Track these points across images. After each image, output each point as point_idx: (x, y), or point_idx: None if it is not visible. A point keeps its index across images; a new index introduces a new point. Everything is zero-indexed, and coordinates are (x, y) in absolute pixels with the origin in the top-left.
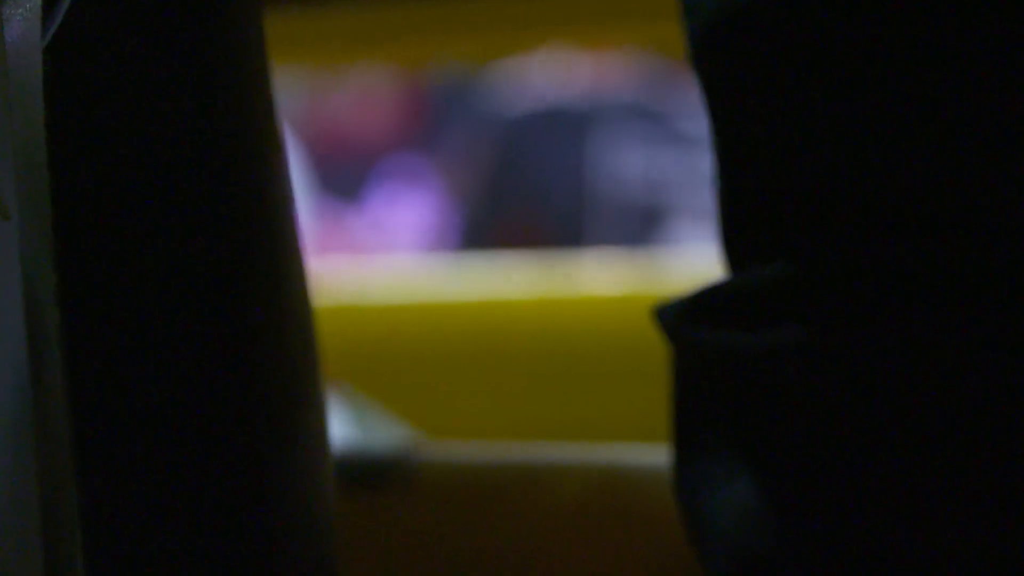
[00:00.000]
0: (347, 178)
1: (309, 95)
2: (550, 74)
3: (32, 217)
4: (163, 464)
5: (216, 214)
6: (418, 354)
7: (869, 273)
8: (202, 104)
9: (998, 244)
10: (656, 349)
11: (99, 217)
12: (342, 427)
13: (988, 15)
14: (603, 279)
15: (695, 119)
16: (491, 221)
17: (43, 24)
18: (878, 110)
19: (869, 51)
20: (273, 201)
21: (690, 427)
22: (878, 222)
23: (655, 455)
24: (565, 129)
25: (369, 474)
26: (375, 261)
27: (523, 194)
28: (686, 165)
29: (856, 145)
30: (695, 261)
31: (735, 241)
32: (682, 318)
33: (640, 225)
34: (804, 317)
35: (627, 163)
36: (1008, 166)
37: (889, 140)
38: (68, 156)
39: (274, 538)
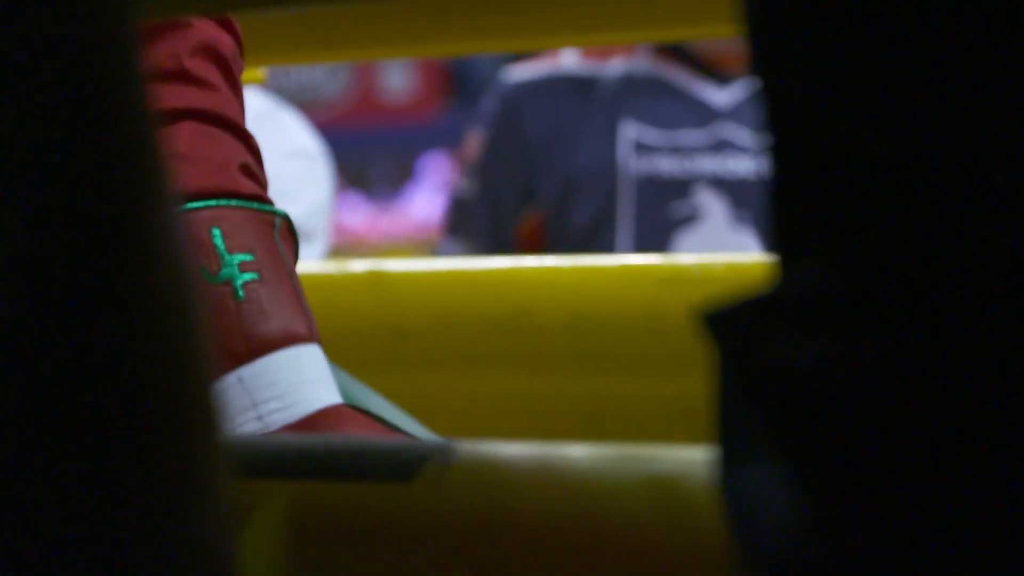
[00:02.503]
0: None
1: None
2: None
3: None
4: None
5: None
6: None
7: (906, 284)
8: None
9: None
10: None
11: None
12: (386, 415)
13: None
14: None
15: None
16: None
17: None
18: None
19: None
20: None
21: (736, 433)
22: (921, 234)
23: (695, 455)
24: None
25: (399, 469)
26: None
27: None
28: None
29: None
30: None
31: (785, 242)
32: (731, 325)
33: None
34: (843, 327)
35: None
36: None
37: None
38: None
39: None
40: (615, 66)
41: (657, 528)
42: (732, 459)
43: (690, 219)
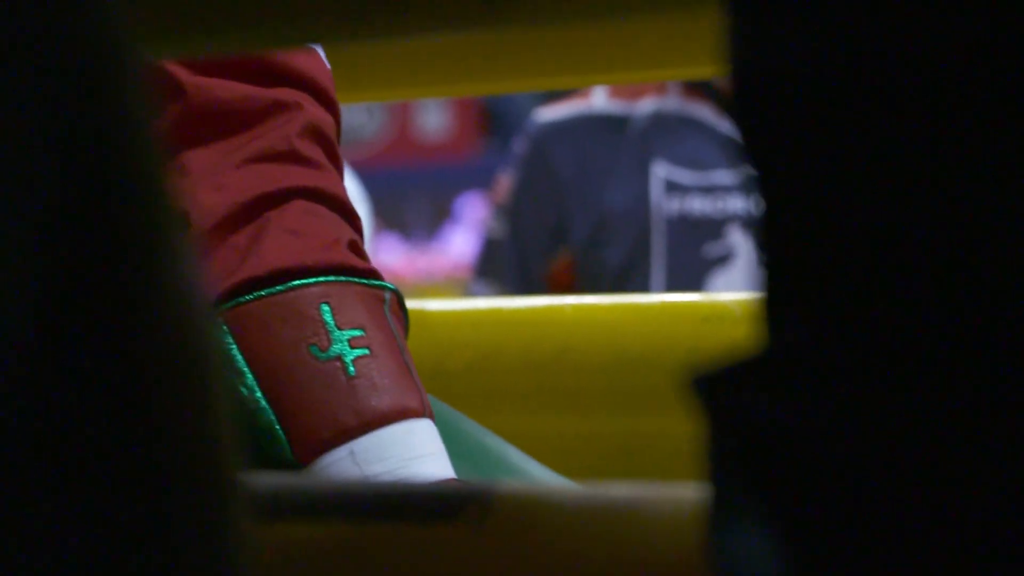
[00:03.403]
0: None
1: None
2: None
3: None
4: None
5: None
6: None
7: (887, 347)
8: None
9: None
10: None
11: None
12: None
13: None
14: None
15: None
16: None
17: None
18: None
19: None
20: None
21: (725, 494)
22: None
23: None
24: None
25: (440, 510)
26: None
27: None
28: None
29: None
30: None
31: (773, 305)
32: (718, 386)
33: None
34: (826, 388)
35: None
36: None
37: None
38: None
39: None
40: (646, 105)
41: (701, 568)
42: (721, 519)
43: (724, 259)
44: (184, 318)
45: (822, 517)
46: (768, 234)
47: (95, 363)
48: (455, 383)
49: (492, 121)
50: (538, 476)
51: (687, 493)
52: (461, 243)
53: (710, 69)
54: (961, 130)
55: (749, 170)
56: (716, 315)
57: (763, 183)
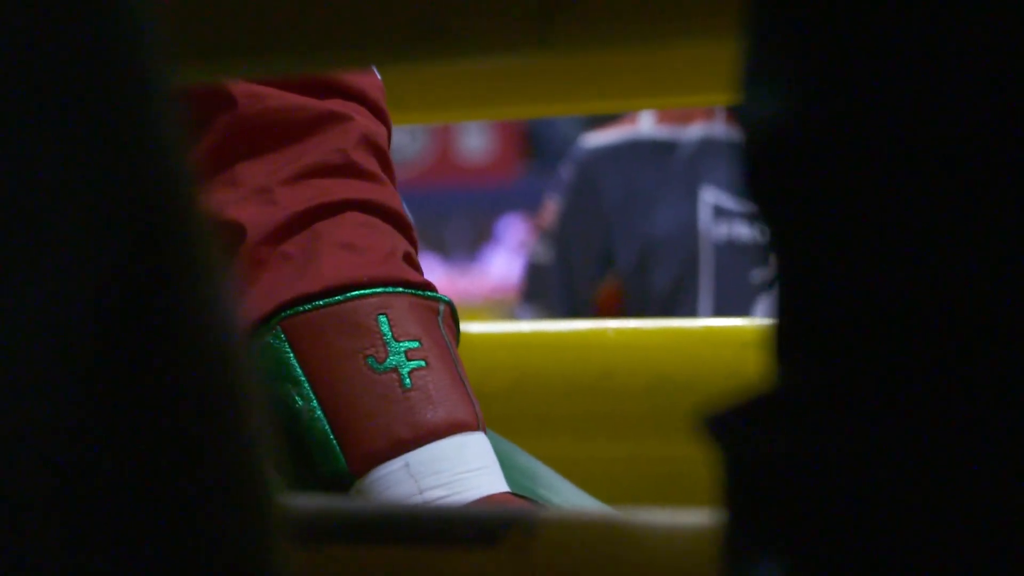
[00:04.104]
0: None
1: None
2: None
3: None
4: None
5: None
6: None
7: (900, 384)
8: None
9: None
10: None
11: None
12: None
13: None
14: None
15: None
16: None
17: None
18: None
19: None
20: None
21: (742, 534)
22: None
23: None
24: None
25: (482, 534)
26: None
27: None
28: None
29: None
30: None
31: (783, 342)
32: (729, 423)
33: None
34: (837, 426)
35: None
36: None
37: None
38: None
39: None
40: (693, 130)
41: None
42: (733, 553)
43: (772, 285)
44: (221, 346)
45: (832, 555)
46: (779, 273)
47: (139, 392)
48: (496, 406)
49: (533, 144)
50: (570, 497)
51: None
52: (501, 265)
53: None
54: (969, 183)
55: (757, 214)
56: (758, 340)
57: (772, 230)
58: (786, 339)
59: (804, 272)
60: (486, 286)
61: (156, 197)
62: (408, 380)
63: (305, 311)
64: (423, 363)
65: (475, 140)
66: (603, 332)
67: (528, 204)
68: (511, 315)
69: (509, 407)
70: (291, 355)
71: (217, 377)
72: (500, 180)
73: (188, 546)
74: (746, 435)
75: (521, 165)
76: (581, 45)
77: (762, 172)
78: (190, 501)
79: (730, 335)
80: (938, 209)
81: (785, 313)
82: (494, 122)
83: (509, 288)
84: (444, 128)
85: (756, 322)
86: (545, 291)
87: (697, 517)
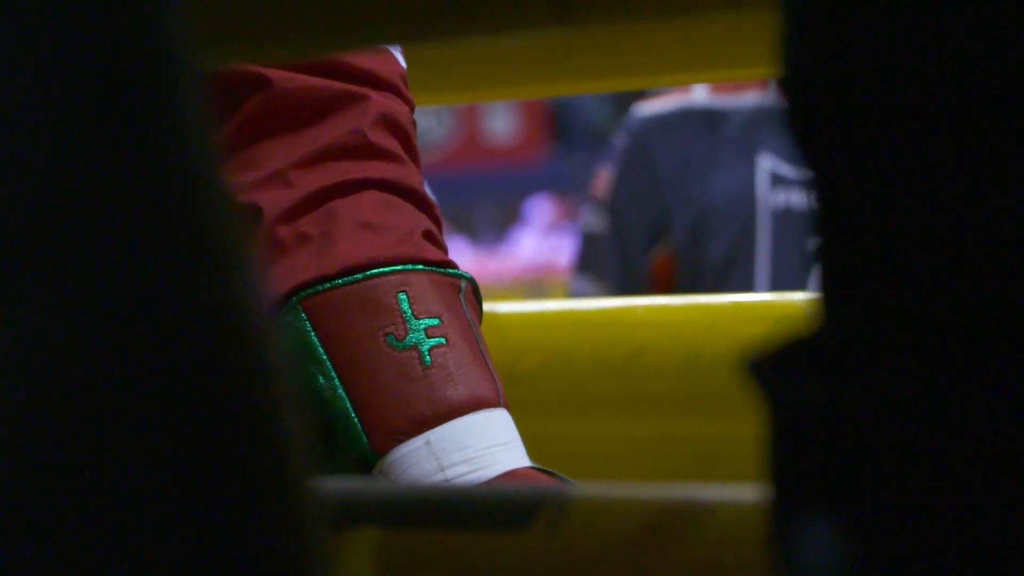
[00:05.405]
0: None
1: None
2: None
3: None
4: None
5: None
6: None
7: (953, 327)
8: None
9: None
10: None
11: None
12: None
13: None
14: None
15: None
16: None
17: None
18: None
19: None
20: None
21: (788, 481)
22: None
23: None
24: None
25: (513, 516)
26: None
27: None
28: None
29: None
30: None
31: (829, 286)
32: (774, 368)
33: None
34: (888, 368)
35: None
36: None
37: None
38: None
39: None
40: (748, 99)
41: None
42: (783, 506)
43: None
44: (253, 329)
45: (885, 506)
46: (824, 215)
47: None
48: (526, 386)
49: (559, 125)
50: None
51: (757, 495)
52: (529, 246)
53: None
54: (1014, 125)
55: (804, 164)
56: (790, 315)
57: (818, 175)
58: (832, 282)
59: (851, 215)
60: (514, 267)
61: (183, 180)
62: (428, 357)
63: (324, 290)
64: (443, 340)
65: (501, 122)
66: (633, 310)
67: (555, 185)
68: (540, 296)
69: (539, 387)
70: (312, 334)
71: (250, 360)
72: (527, 162)
73: (225, 530)
74: (791, 380)
75: (547, 146)
76: (603, 19)
77: (806, 117)
78: (229, 484)
79: (762, 310)
80: (987, 148)
81: (831, 257)
82: (520, 104)
83: (537, 269)
84: (470, 111)
85: (786, 297)
86: (599, 262)
87: (732, 493)
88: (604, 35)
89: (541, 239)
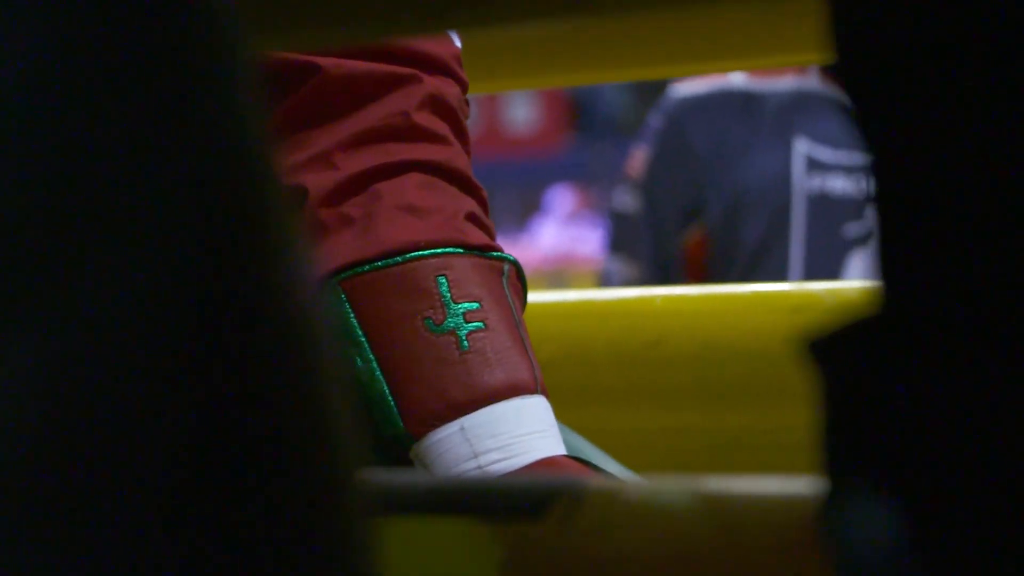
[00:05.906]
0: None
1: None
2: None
3: None
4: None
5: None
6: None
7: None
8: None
9: None
10: None
11: None
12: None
13: None
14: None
15: None
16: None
17: None
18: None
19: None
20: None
21: (845, 464)
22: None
23: None
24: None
25: (527, 507)
26: None
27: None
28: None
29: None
30: None
31: (888, 265)
32: (834, 351)
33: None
34: (949, 351)
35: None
36: None
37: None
38: None
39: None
40: (785, 82)
41: (799, 563)
42: (836, 489)
43: (863, 240)
44: (303, 317)
45: (943, 489)
46: (882, 198)
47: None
48: (544, 376)
49: (579, 115)
50: (614, 472)
51: (776, 486)
52: (550, 236)
53: (807, 56)
54: None
55: (862, 143)
56: (807, 305)
57: (877, 157)
58: (892, 265)
59: (912, 197)
60: (535, 257)
61: (235, 166)
62: (466, 342)
63: (364, 272)
64: (482, 325)
65: (522, 112)
66: (651, 300)
67: (575, 174)
68: (561, 286)
69: (557, 377)
70: (351, 315)
71: (302, 344)
72: (547, 151)
73: (270, 517)
74: (850, 362)
75: (568, 136)
76: (623, 8)
77: (865, 98)
78: (274, 470)
79: (780, 300)
80: None
81: (891, 240)
82: (540, 94)
83: (558, 259)
84: (490, 100)
85: (804, 287)
86: (632, 243)
87: (751, 486)
88: (625, 24)
89: (561, 229)
